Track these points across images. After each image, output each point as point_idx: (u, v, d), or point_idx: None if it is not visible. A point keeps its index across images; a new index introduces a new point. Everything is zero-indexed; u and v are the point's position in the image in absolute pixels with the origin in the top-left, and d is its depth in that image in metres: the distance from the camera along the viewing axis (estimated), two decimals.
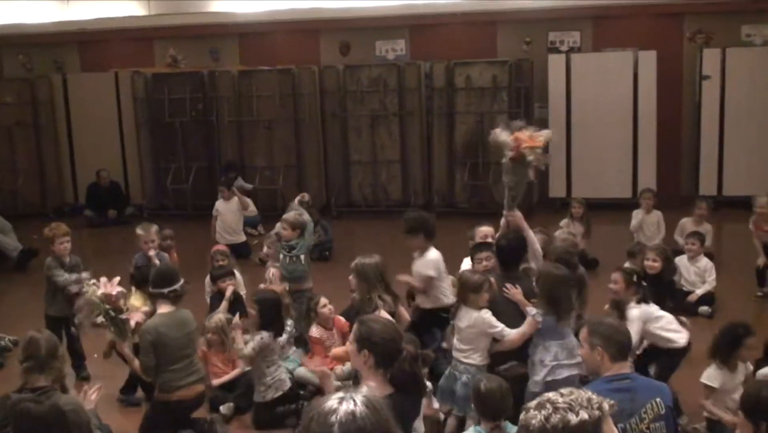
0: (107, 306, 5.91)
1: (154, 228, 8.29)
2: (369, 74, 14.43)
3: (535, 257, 6.22)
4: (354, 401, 2.40)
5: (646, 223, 10.42)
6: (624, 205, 12.08)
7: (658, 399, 4.18)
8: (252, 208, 12.72)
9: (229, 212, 11.79)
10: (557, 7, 14.38)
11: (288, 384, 6.71)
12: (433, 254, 7.06)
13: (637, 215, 10.50)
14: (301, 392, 6.86)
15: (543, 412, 2.58)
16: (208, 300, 8.08)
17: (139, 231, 8.20)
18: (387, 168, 14.49)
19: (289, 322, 7.10)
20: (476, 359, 5.95)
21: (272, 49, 15.58)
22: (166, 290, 6.03)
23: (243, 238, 11.85)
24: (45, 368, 4.79)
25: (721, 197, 13.46)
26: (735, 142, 13.49)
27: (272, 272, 8.09)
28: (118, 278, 6.11)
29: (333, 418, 2.37)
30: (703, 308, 8.68)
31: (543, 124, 13.76)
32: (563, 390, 2.69)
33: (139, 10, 14.04)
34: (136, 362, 6.08)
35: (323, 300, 7.28)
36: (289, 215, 8.08)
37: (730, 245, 11.50)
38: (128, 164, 15.51)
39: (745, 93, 13.37)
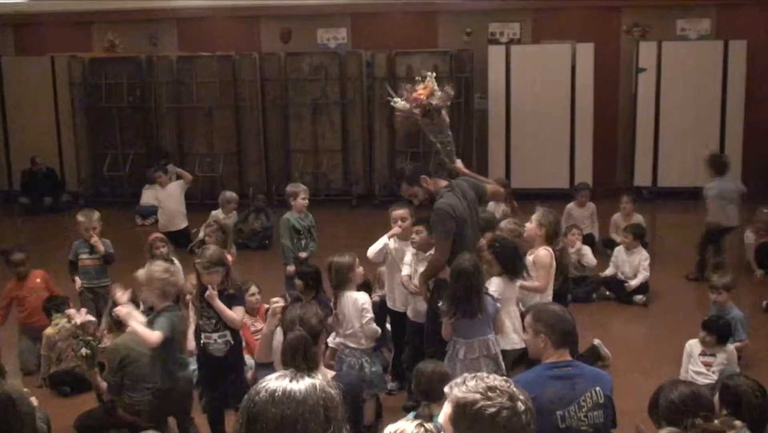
0: (89, 337, 5.77)
1: (96, 215, 8.10)
2: (310, 62, 14.37)
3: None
4: (297, 379, 2.40)
5: (580, 217, 10.49)
6: (561, 195, 12.24)
7: (597, 388, 4.22)
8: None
9: (170, 199, 11.38)
10: None
11: None
12: None
13: (569, 211, 10.55)
14: None
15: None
16: None
17: (80, 218, 7.99)
18: (328, 156, 14.45)
19: None
20: (362, 343, 5.96)
21: (212, 35, 15.40)
22: None
23: (184, 224, 11.37)
24: None
25: (656, 188, 13.77)
26: (670, 134, 13.76)
27: None
28: (84, 309, 6.01)
29: (276, 394, 2.35)
30: (638, 297, 8.91)
31: (483, 114, 13.98)
32: (484, 377, 2.75)
33: None
34: (104, 385, 5.81)
35: (253, 288, 7.17)
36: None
37: (664, 235, 11.74)
38: (64, 150, 15.22)
39: (680, 86, 13.65)
